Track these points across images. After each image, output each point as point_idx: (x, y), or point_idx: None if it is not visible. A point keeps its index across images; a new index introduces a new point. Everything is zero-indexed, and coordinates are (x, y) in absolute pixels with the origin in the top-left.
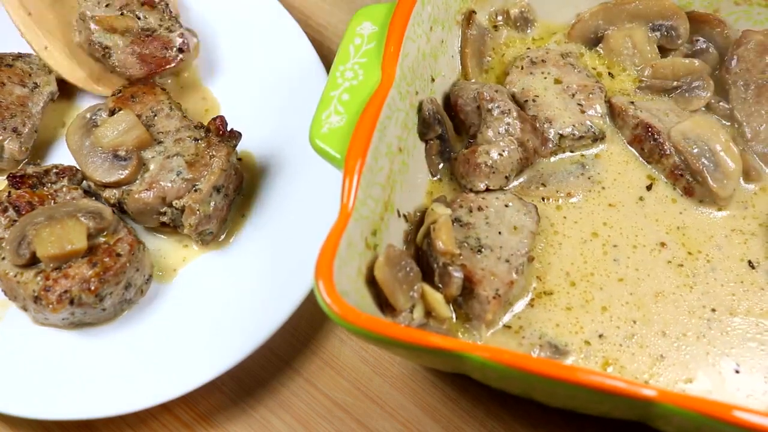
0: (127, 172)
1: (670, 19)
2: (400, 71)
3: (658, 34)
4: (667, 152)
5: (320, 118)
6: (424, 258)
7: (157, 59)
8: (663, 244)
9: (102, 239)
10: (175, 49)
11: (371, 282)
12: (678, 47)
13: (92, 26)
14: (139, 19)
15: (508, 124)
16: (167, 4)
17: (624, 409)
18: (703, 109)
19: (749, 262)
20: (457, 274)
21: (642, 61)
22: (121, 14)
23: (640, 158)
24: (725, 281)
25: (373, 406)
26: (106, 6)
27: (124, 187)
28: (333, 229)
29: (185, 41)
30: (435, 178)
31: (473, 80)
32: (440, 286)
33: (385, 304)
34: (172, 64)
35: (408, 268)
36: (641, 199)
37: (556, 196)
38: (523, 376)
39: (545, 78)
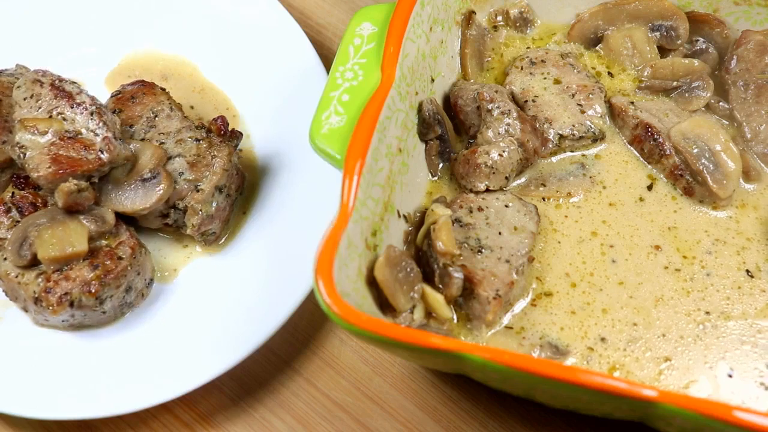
0: (163, 186)
1: (670, 19)
2: (400, 72)
3: (657, 34)
4: (667, 152)
5: (320, 119)
6: (424, 258)
7: (71, 160)
8: (657, 247)
9: (104, 242)
10: (96, 151)
11: (371, 283)
12: (678, 47)
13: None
14: (65, 121)
15: (508, 124)
16: (98, 108)
17: (625, 410)
18: (703, 109)
19: (747, 271)
20: (458, 275)
21: (642, 61)
22: (50, 117)
23: (641, 158)
24: (721, 286)
25: (374, 406)
26: (38, 109)
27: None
28: (333, 230)
29: (109, 145)
30: (435, 179)
31: (473, 81)
32: (441, 286)
33: (385, 305)
34: (90, 166)
35: (408, 269)
36: (641, 199)
37: (557, 196)
38: (524, 377)
39: (545, 78)
